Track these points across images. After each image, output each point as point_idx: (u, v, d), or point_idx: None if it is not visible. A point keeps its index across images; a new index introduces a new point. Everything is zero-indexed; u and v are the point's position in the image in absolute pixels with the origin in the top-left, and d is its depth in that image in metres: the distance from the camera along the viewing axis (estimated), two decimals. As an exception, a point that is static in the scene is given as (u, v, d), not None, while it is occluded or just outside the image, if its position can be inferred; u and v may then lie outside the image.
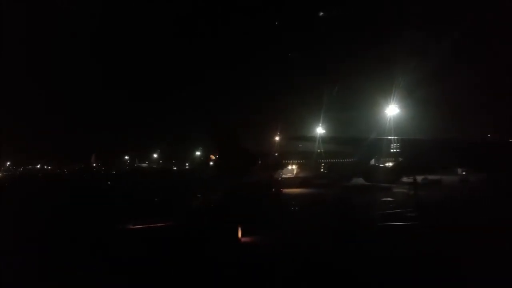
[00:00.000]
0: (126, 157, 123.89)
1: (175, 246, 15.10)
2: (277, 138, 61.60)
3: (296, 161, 48.55)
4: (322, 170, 46.49)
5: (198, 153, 59.55)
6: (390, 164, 53.80)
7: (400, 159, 54.99)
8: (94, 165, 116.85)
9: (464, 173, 47.22)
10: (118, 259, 13.52)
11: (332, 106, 58.53)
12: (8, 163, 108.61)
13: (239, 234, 16.85)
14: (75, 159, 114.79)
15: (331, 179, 44.71)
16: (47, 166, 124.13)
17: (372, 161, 51.42)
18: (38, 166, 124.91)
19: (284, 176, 46.92)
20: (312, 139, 54.05)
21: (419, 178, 45.45)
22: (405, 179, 46.76)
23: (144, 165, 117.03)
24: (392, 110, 55.81)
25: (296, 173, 47.52)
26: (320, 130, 55.35)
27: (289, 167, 48.06)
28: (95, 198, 31.71)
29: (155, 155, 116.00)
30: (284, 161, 48.32)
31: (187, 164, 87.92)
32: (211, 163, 51.12)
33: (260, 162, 44.86)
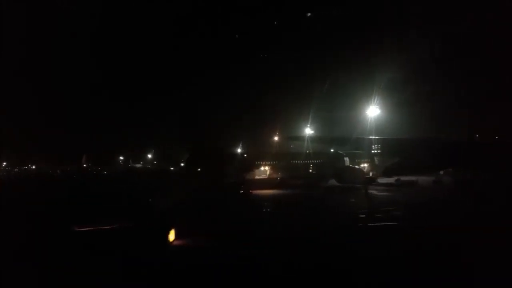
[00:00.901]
0: (121, 157, 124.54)
1: (106, 250, 14.90)
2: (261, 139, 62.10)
3: (270, 162, 48.49)
4: (294, 171, 46.36)
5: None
6: (366, 165, 53.83)
7: (376, 159, 55.08)
8: (85, 165, 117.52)
9: (440, 173, 47.03)
10: (54, 260, 13.55)
11: (317, 107, 59.23)
12: (5, 163, 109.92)
13: (171, 237, 16.69)
14: (73, 159, 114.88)
15: (305, 180, 44.65)
16: (43, 166, 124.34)
17: (347, 162, 51.36)
18: (34, 167, 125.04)
19: (257, 177, 46.92)
20: (296, 139, 54.11)
21: (393, 178, 45.68)
22: (382, 180, 46.96)
23: (138, 165, 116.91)
24: (373, 111, 56.37)
25: (269, 174, 47.51)
26: (305, 131, 55.89)
27: (262, 168, 48.02)
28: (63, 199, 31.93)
29: (149, 156, 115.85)
30: (257, 162, 48.28)
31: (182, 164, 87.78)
32: (182, 164, 51.13)
33: (233, 163, 44.88)
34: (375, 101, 54.26)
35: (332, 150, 48.57)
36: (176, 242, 16.50)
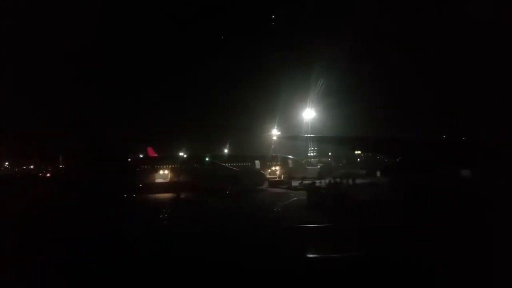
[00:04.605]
0: None
1: None
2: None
3: (172, 166, 47.01)
4: (201, 175, 44.87)
5: (181, 153, 57.72)
6: (277, 167, 53.31)
7: (290, 161, 54.79)
8: (61, 166, 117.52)
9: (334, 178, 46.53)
10: None
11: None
12: (7, 163, 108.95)
13: None
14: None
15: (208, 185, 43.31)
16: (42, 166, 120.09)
17: (258, 165, 50.63)
18: (32, 167, 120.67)
19: (158, 180, 45.41)
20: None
21: (297, 181, 45.00)
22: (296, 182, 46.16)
23: None
24: (309, 113, 56.80)
25: (170, 178, 46.04)
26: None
27: (162, 171, 46.49)
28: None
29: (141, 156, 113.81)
30: (158, 166, 46.76)
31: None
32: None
33: (124, 165, 43.35)
34: (310, 104, 55.86)
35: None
36: None
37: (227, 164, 48.35)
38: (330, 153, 78.06)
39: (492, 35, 44.22)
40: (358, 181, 41.49)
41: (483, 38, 46.50)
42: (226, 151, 64.19)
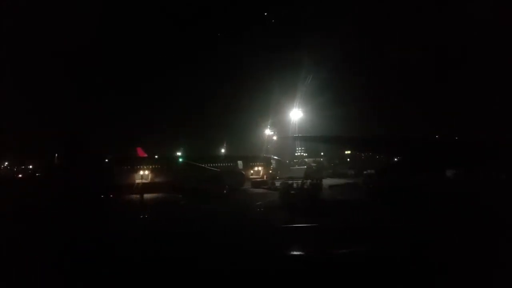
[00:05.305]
0: None
1: None
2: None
3: (153, 166, 47.40)
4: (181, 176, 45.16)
5: (179, 153, 58.68)
6: (260, 168, 53.35)
7: (274, 162, 54.88)
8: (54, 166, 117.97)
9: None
10: None
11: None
12: (6, 163, 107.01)
13: None
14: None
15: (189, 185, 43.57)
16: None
17: (241, 166, 50.76)
18: (31, 166, 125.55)
19: (139, 181, 45.79)
20: None
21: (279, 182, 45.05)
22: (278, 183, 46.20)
23: None
24: (296, 114, 56.95)
25: (151, 179, 46.41)
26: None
27: (142, 172, 46.81)
28: None
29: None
30: (139, 166, 47.16)
31: None
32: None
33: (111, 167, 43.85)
34: (298, 105, 56.14)
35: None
36: None
37: (208, 165, 48.65)
38: (322, 153, 78.00)
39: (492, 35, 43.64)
40: (330, 181, 42.12)
41: (483, 38, 45.85)
42: (223, 150, 64.57)
